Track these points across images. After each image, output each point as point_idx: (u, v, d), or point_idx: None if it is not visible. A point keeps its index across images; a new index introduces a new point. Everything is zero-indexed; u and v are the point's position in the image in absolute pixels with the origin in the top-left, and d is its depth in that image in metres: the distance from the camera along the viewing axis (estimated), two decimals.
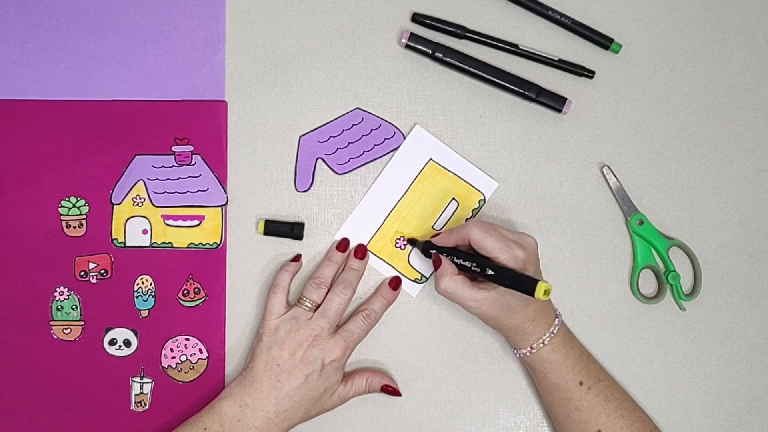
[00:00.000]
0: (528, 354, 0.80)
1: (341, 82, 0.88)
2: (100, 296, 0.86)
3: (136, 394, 0.86)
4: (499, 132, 0.88)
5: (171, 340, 0.86)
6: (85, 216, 0.87)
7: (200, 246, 0.87)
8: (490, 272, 0.76)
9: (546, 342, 0.80)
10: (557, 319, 0.81)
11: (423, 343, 0.87)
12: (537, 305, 0.79)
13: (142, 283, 0.86)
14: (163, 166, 0.87)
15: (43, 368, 0.86)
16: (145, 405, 0.86)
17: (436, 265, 0.80)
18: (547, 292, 0.72)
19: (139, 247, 0.87)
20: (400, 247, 0.87)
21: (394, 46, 0.88)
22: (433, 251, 0.83)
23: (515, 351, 0.82)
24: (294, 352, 0.81)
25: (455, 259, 0.80)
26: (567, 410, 0.80)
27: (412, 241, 0.87)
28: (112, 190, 0.87)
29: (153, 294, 0.86)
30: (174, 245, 0.87)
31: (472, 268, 0.78)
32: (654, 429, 0.82)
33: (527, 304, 0.78)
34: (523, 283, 0.74)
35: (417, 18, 0.87)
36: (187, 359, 0.86)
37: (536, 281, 0.72)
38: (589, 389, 0.80)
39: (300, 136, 0.88)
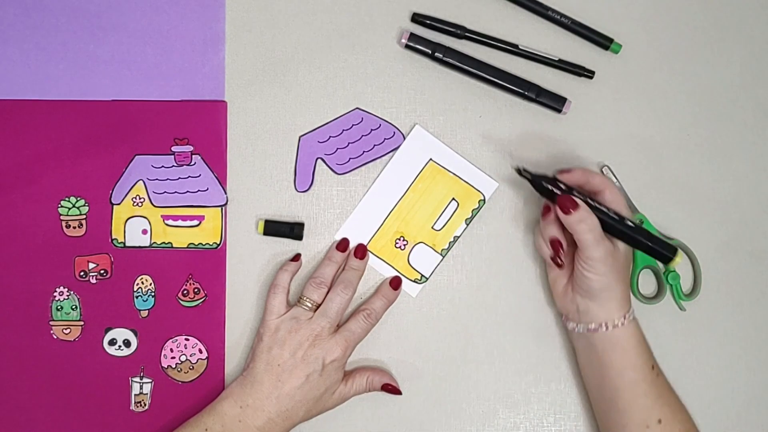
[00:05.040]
0: (622, 324, 0.78)
1: (341, 82, 0.88)
2: (99, 296, 0.86)
3: (135, 394, 0.86)
4: (499, 132, 0.88)
5: (171, 340, 0.86)
6: (84, 216, 0.87)
7: (200, 246, 0.87)
8: (630, 223, 0.73)
9: (633, 317, 0.79)
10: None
11: (423, 343, 0.87)
12: (625, 280, 0.79)
13: (142, 283, 0.86)
14: (162, 166, 0.87)
15: (43, 368, 0.86)
16: (145, 405, 0.86)
17: (575, 206, 0.76)
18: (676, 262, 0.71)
19: (139, 247, 0.86)
20: (400, 247, 0.87)
21: (394, 46, 0.88)
22: (557, 191, 0.78)
23: (603, 324, 0.79)
24: (295, 351, 0.81)
25: (590, 202, 0.78)
26: (635, 394, 0.78)
27: (520, 171, 0.82)
28: (112, 190, 0.87)
29: (153, 294, 0.86)
30: (174, 245, 0.87)
31: (611, 214, 0.76)
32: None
33: (626, 271, 0.78)
34: (660, 245, 0.70)
35: (417, 18, 0.87)
36: (186, 359, 0.86)
37: (676, 249, 0.70)
38: (658, 375, 0.80)
39: (300, 136, 0.88)
